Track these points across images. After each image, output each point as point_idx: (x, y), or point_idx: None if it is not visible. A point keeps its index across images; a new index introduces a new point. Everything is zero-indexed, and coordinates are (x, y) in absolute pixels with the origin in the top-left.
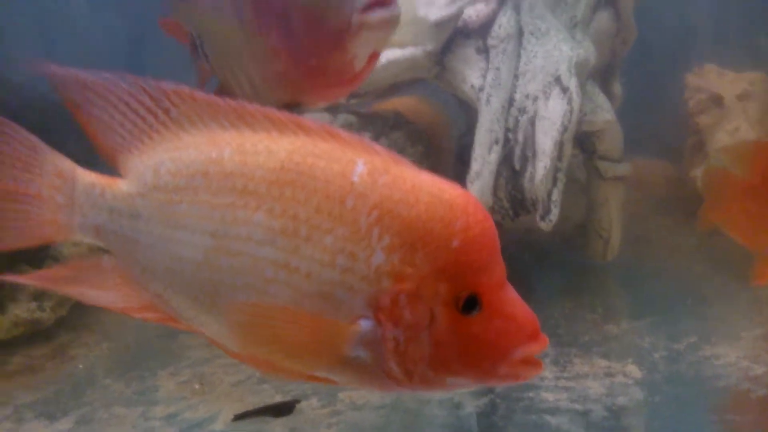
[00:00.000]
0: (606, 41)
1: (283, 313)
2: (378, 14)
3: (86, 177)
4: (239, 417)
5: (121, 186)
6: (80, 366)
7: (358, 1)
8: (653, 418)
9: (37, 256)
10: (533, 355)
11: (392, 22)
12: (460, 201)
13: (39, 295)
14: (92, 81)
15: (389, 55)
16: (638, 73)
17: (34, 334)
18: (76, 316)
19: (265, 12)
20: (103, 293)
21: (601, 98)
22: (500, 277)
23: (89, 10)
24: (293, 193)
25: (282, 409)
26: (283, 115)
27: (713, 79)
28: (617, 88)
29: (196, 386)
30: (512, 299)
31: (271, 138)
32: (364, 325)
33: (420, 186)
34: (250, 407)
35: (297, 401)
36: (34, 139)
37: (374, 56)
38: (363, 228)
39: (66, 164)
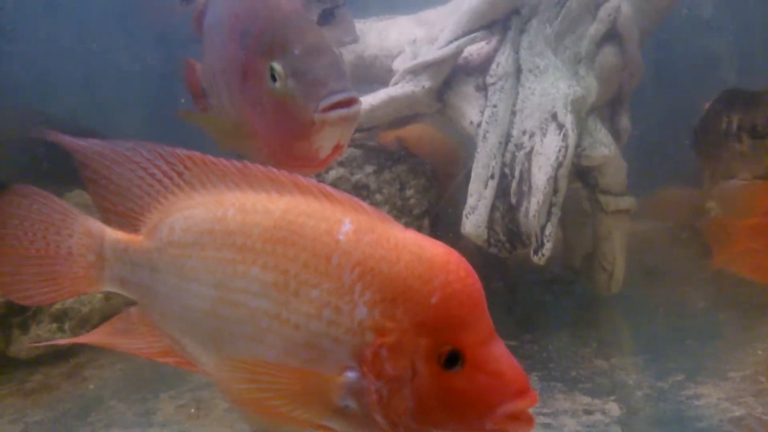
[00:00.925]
0: (612, 76)
1: (271, 368)
2: (338, 113)
3: (112, 234)
4: None
5: (142, 242)
6: (91, 386)
7: (320, 102)
8: None
9: None
10: (523, 411)
11: (351, 120)
12: (441, 259)
13: (59, 317)
14: (112, 150)
15: (390, 92)
16: (664, 101)
17: (56, 354)
18: None
19: (248, 98)
20: (130, 341)
21: (602, 133)
22: (485, 332)
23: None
24: (284, 250)
25: None
26: (283, 175)
27: None
28: (626, 123)
29: (192, 410)
30: (498, 355)
31: (269, 198)
32: (351, 376)
33: (403, 244)
34: None
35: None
36: (66, 204)
37: (338, 147)
38: (347, 283)
39: (94, 224)
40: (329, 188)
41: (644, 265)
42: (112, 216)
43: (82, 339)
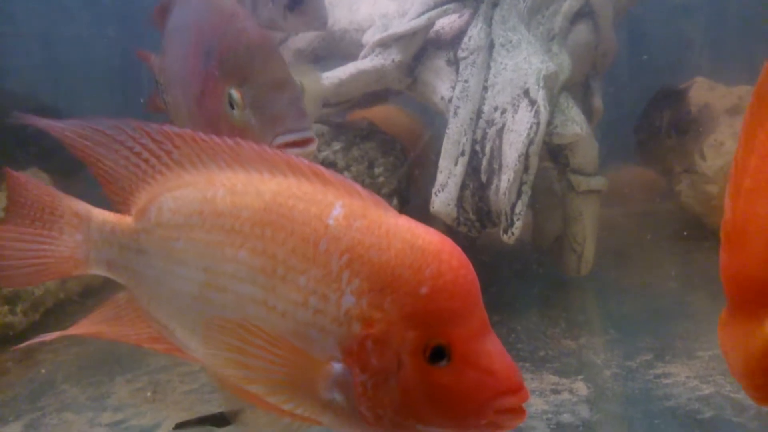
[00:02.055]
0: (585, 54)
1: (261, 334)
2: (291, 152)
3: (99, 215)
4: (180, 426)
5: (129, 223)
6: (43, 371)
7: (275, 138)
8: None
9: None
10: (515, 406)
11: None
12: (433, 248)
13: (11, 300)
14: (94, 131)
15: (359, 65)
16: (633, 84)
17: (6, 338)
18: (53, 321)
19: (204, 114)
20: (119, 329)
21: (574, 111)
22: (476, 327)
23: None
24: (273, 234)
25: (226, 418)
26: (276, 155)
27: (704, 93)
28: (598, 102)
29: (149, 394)
30: (489, 351)
31: (261, 179)
32: (336, 367)
33: (395, 231)
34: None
35: (242, 411)
36: (52, 189)
37: None
38: (334, 270)
39: (81, 205)
40: (323, 169)
41: (613, 248)
42: (106, 198)
43: (72, 331)
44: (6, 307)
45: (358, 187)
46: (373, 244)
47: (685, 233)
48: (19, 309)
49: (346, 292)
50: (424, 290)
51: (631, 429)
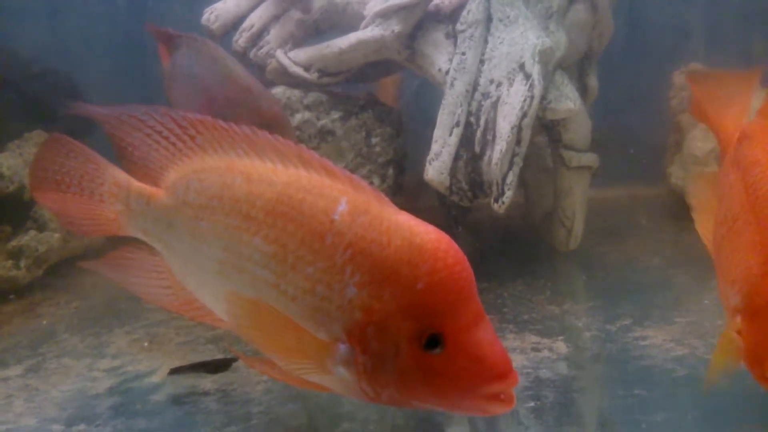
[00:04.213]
0: (582, 33)
1: (276, 317)
2: None
3: (137, 186)
4: (175, 371)
5: (161, 197)
6: (44, 322)
7: None
8: (568, 391)
9: (18, 217)
10: (504, 392)
11: None
12: (430, 246)
13: (16, 254)
14: (130, 117)
15: (359, 35)
16: (629, 69)
17: (10, 291)
18: (57, 277)
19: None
20: (149, 289)
21: (568, 88)
22: (469, 318)
23: None
24: (284, 225)
25: (218, 366)
26: (289, 147)
27: None
28: (593, 81)
29: (145, 344)
30: (481, 340)
31: (274, 169)
32: (342, 348)
33: (395, 228)
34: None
35: (234, 359)
36: (97, 156)
37: None
38: (338, 263)
39: (122, 176)
40: (331, 164)
41: (603, 225)
42: (136, 176)
43: (105, 271)
44: (10, 262)
45: (362, 182)
46: (374, 239)
47: (674, 214)
48: (23, 264)
49: (349, 284)
50: (420, 285)
51: (607, 384)
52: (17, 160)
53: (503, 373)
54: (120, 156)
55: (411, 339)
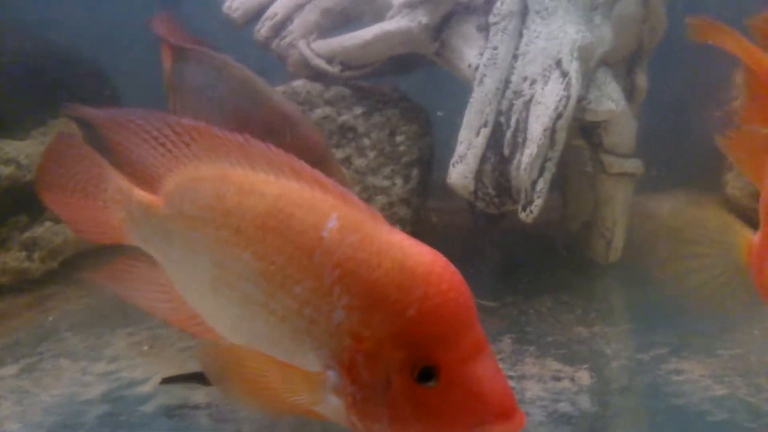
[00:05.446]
0: (631, 28)
1: (256, 357)
2: None
3: (138, 194)
4: (167, 381)
5: (159, 206)
6: (50, 318)
7: None
8: (587, 430)
9: (35, 207)
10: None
11: None
12: (423, 269)
13: (30, 246)
14: (128, 121)
15: (384, 26)
16: (684, 67)
17: (24, 283)
18: (70, 271)
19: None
20: (151, 302)
21: (611, 87)
22: (466, 350)
23: None
24: (273, 240)
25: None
26: (281, 158)
27: None
28: (642, 80)
29: (145, 347)
30: (480, 374)
31: (266, 181)
32: (332, 375)
33: (386, 248)
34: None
35: None
36: (103, 160)
37: None
38: (326, 284)
39: (124, 183)
40: (323, 177)
41: (648, 238)
42: (134, 180)
43: (106, 281)
44: (23, 253)
45: (355, 197)
46: (364, 260)
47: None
48: (36, 256)
49: (338, 307)
50: (411, 312)
51: (631, 425)
52: (38, 148)
53: (505, 412)
54: (116, 161)
55: (402, 370)
